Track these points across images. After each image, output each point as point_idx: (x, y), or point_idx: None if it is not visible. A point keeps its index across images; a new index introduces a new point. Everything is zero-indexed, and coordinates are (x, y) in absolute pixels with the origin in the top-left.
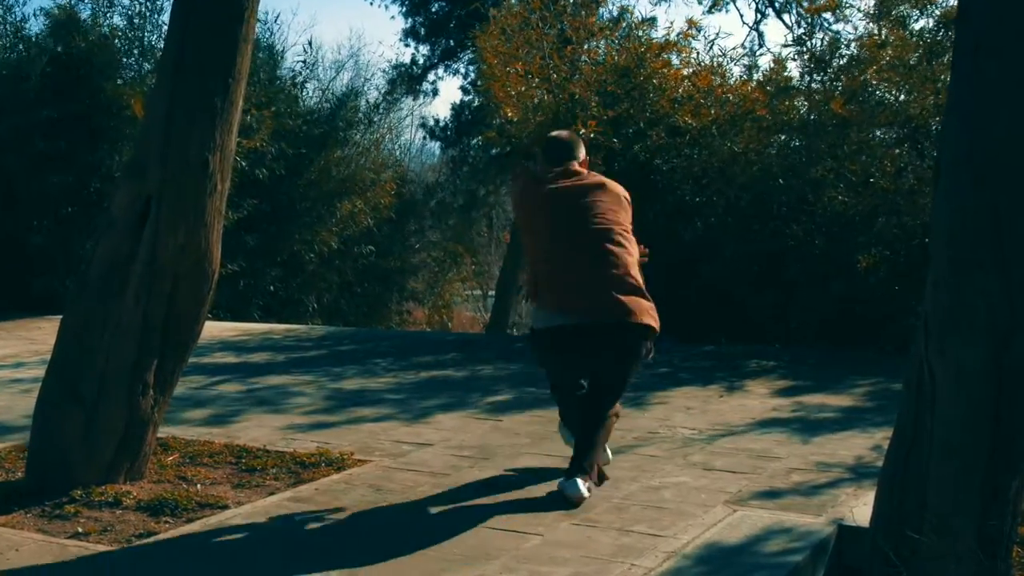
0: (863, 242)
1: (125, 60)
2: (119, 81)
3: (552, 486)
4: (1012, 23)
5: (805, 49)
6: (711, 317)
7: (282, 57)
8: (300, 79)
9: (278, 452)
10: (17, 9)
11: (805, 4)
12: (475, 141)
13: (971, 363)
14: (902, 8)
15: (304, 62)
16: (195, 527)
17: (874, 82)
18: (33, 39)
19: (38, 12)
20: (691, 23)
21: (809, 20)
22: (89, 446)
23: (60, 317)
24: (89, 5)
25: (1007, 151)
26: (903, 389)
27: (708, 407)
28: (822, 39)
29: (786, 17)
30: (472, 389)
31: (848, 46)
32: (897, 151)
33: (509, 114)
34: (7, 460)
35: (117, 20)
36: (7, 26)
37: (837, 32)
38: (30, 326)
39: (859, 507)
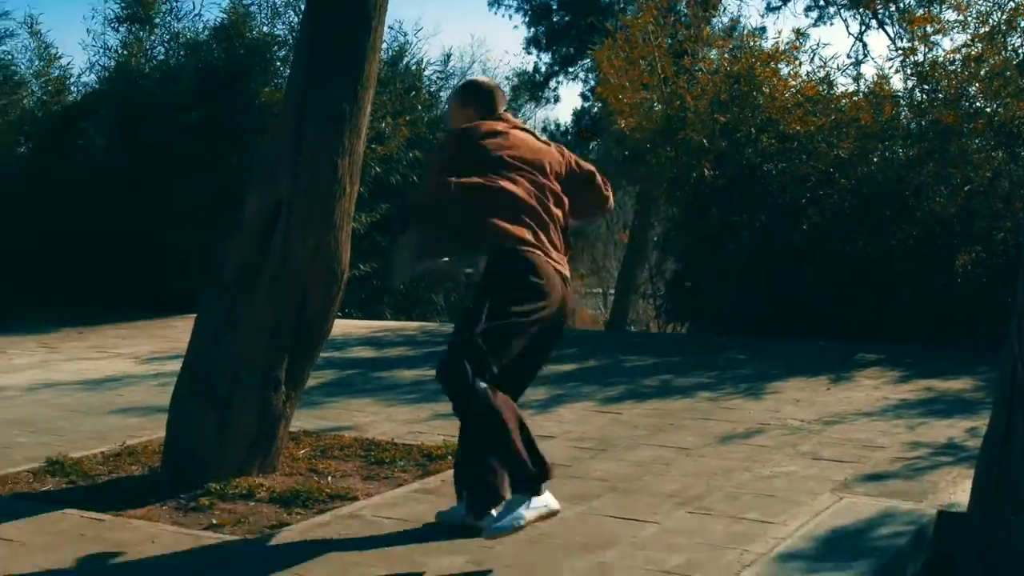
0: (960, 243)
1: (280, 67)
2: (272, 86)
3: (671, 475)
4: None
5: (908, 62)
6: (816, 314)
7: (420, 68)
8: (435, 88)
9: (405, 445)
10: (180, 16)
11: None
12: (593, 145)
13: None
14: (997, 23)
15: (441, 73)
16: (326, 518)
17: (972, 92)
18: (190, 43)
19: (194, 15)
20: (798, 33)
21: (910, 33)
22: (223, 442)
23: (194, 316)
24: (254, 13)
25: None
26: (996, 384)
27: (816, 398)
28: (924, 52)
29: (888, 28)
30: (592, 382)
31: (952, 61)
32: (993, 155)
33: (623, 124)
34: (143, 455)
35: (279, 29)
36: (162, 30)
37: (936, 41)
38: (165, 325)
39: (959, 493)
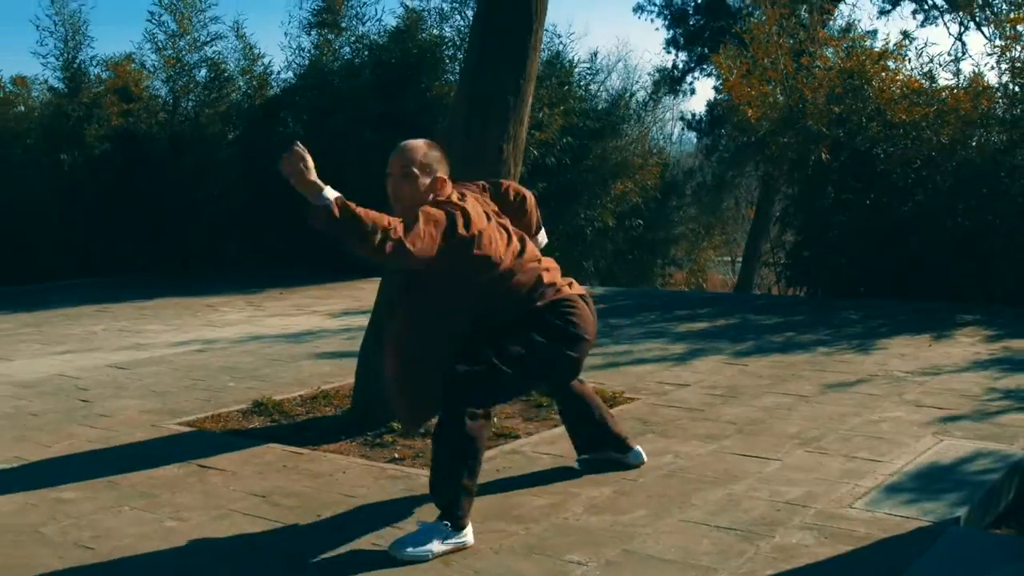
0: None
1: (448, 64)
2: (442, 81)
3: (792, 419)
4: None
5: (1005, 57)
6: (921, 280)
7: (572, 65)
8: (584, 83)
9: None
10: (364, 21)
11: (1003, 17)
12: (723, 131)
13: None
14: None
15: (590, 69)
16: (492, 453)
17: None
18: (371, 44)
19: (376, 19)
20: (904, 35)
21: (1003, 29)
22: None
23: (378, 280)
24: (425, 17)
25: None
26: None
27: (919, 353)
28: (1019, 48)
29: (985, 29)
30: (722, 338)
31: None
32: None
33: (749, 113)
34: (336, 398)
35: (446, 31)
36: (348, 33)
37: None
38: (353, 287)
39: None
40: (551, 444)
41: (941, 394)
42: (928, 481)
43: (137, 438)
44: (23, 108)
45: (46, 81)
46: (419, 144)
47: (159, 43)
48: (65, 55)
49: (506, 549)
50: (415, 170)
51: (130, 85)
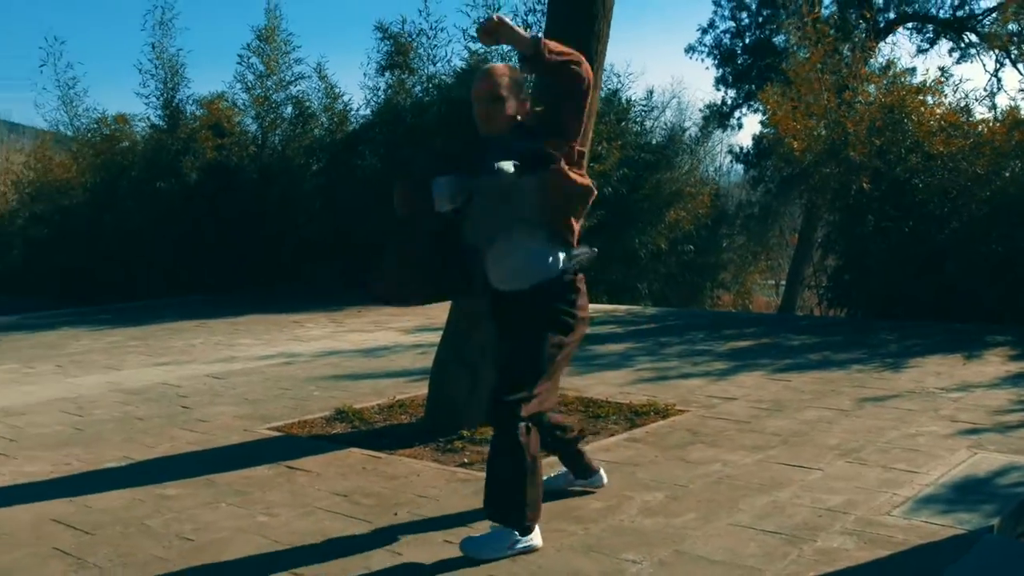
0: None
1: None
2: None
3: (833, 432)
4: None
5: None
6: (956, 302)
7: (629, 103)
8: (640, 119)
9: (617, 403)
10: (434, 62)
11: None
12: (769, 163)
13: None
14: None
15: (645, 106)
16: (553, 459)
17: None
18: (439, 84)
19: (445, 61)
20: (942, 71)
21: None
22: (473, 398)
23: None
24: (489, 58)
25: None
26: None
27: (954, 372)
28: None
29: (1020, 66)
30: (766, 355)
31: None
32: None
33: (795, 146)
34: (410, 407)
35: None
36: (420, 74)
37: None
38: (427, 306)
39: None
40: (607, 451)
41: (975, 410)
42: (962, 492)
43: (232, 441)
44: (127, 143)
45: (148, 118)
46: (504, 67)
47: (248, 83)
48: (164, 95)
49: (566, 548)
50: (503, 92)
51: (222, 121)
